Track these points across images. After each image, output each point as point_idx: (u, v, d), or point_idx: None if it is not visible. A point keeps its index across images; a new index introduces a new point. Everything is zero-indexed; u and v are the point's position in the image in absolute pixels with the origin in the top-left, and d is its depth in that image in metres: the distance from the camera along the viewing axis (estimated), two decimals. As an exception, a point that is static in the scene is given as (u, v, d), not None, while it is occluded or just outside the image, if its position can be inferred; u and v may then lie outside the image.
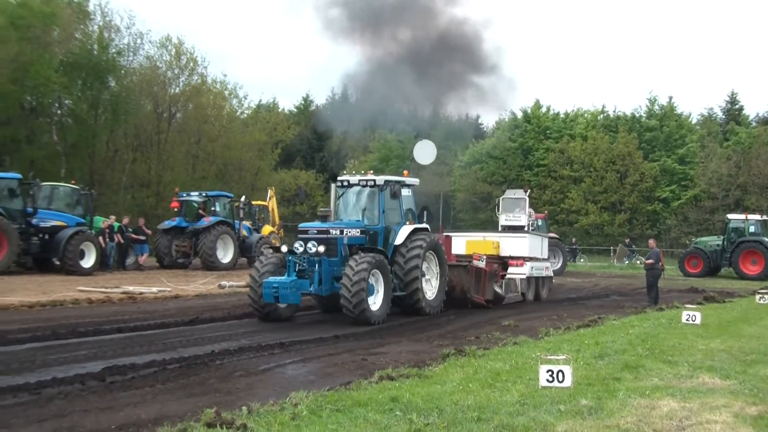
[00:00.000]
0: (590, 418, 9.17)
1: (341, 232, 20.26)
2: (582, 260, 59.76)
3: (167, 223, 37.65)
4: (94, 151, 50.15)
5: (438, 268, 22.32)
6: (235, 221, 38.48)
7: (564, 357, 11.23)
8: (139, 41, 52.93)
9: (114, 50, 50.27)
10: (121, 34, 51.82)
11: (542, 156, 73.99)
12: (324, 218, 21.34)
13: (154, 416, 9.49)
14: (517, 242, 28.88)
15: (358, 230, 20.72)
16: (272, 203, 47.56)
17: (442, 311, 22.31)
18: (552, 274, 31.19)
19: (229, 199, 39.57)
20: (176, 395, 10.92)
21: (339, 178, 22.27)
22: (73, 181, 36.61)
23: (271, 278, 19.18)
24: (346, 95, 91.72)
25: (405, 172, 23.10)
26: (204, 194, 39.08)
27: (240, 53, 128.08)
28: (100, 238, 32.76)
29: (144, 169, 53.66)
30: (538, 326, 19.32)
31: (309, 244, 19.32)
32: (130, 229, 36.15)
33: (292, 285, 18.81)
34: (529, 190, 39.26)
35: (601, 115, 77.60)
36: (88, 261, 31.02)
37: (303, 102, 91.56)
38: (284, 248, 20.06)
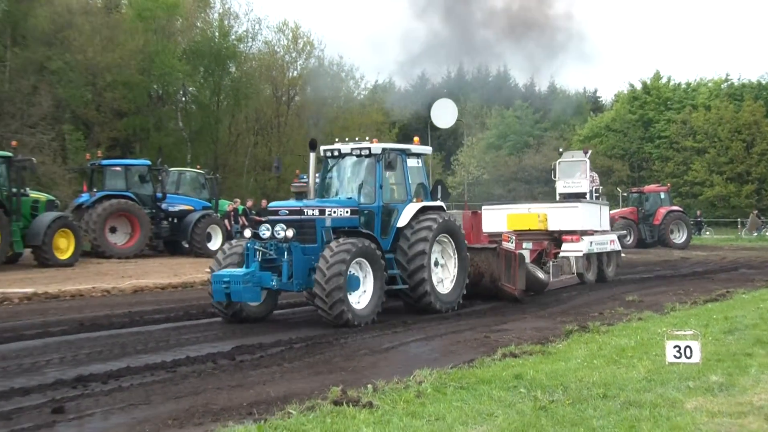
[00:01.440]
0: (721, 395, 8.96)
1: (322, 212, 16.16)
2: (707, 233, 57.97)
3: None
4: (218, 136, 51.53)
5: (456, 254, 18.07)
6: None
7: (691, 332, 10.99)
8: (257, 27, 54.04)
9: (234, 37, 51.48)
10: (240, 21, 53.04)
11: (663, 128, 71.95)
12: (300, 195, 16.65)
13: (283, 394, 9.76)
14: (569, 213, 24.68)
15: (348, 210, 16.62)
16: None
17: (459, 306, 17.93)
18: (619, 248, 27.25)
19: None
20: (303, 373, 11.20)
21: (326, 148, 17.81)
22: (198, 166, 37.77)
23: (224, 270, 15.51)
24: (461, 73, 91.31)
25: (415, 138, 18.57)
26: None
27: (355, 34, 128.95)
28: (226, 221, 33.68)
29: (265, 152, 54.76)
30: (663, 301, 18.91)
31: (277, 228, 15.54)
32: (254, 212, 37.06)
33: (247, 278, 14.99)
34: (589, 151, 34.94)
35: (725, 84, 74.91)
36: (215, 243, 31.90)
37: (418, 80, 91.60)
38: (247, 233, 15.98)
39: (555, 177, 33.42)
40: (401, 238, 17.07)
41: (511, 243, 20.00)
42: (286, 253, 15.46)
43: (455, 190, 70.81)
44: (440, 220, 17.40)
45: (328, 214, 16.22)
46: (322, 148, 17.61)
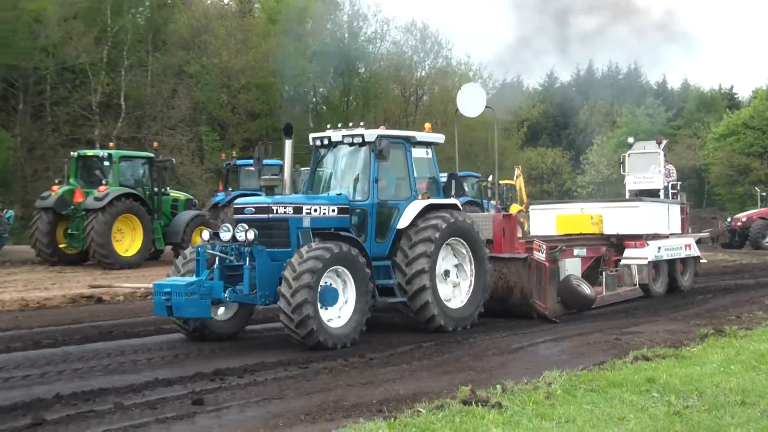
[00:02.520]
0: None
1: (297, 210, 13.68)
2: None
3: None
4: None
5: (473, 263, 15.27)
6: (483, 200, 38.83)
7: (836, 340, 10.52)
8: (385, 28, 54.64)
9: (363, 38, 52.17)
10: (369, 22, 53.69)
11: (805, 124, 68.78)
12: (270, 189, 13.99)
13: (412, 392, 9.85)
14: (628, 213, 20.50)
15: (334, 208, 14.10)
16: (519, 182, 47.50)
17: (473, 326, 15.12)
18: (698, 253, 22.91)
19: (477, 179, 39.94)
20: (432, 372, 11.29)
21: (315, 135, 15.33)
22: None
23: (167, 279, 13.30)
24: (591, 70, 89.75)
25: (426, 125, 16.32)
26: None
27: (482, 32, 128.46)
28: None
29: (393, 152, 55.23)
30: (806, 306, 18.13)
31: (238, 228, 13.13)
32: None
33: (192, 289, 12.39)
34: (664, 142, 30.05)
35: None
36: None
37: (547, 79, 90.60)
38: (205, 234, 13.47)
39: (624, 171, 29.78)
40: (402, 240, 14.44)
41: (542, 252, 16.80)
42: (248, 258, 12.93)
43: (585, 190, 69.69)
44: (450, 221, 14.70)
45: (307, 213, 13.74)
46: (311, 135, 15.35)
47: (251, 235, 12.91)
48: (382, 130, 14.74)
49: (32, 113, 42.27)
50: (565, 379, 9.93)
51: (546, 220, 20.64)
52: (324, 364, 11.70)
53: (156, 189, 27.07)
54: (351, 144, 14.63)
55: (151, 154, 27.59)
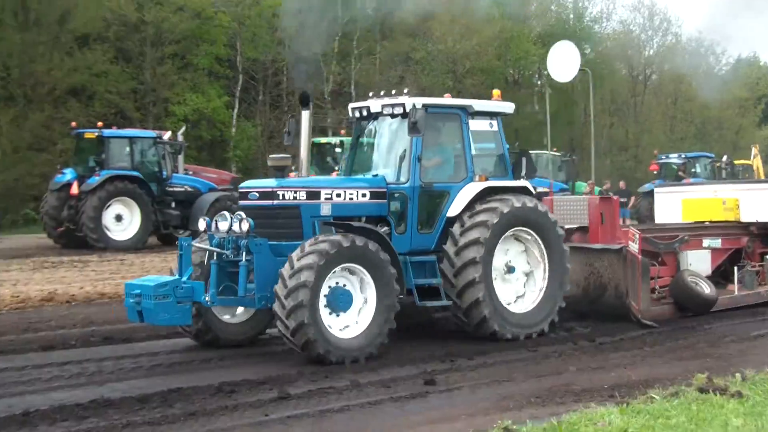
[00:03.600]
0: None
1: (313, 195, 11.52)
2: None
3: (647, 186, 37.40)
4: (573, 118, 51.53)
5: (545, 258, 12.52)
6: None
7: None
8: (611, 7, 53.44)
9: (588, 18, 51.14)
10: (594, 2, 52.57)
11: None
12: (281, 170, 11.77)
13: (644, 378, 9.67)
14: None
15: (366, 192, 11.93)
16: (757, 162, 44.98)
17: (543, 333, 12.42)
18: None
19: (710, 160, 38.23)
20: (665, 358, 11.03)
21: (354, 105, 13.11)
22: (554, 149, 37.99)
23: (139, 279, 11.90)
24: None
25: (495, 92, 13.45)
26: (683, 155, 38.25)
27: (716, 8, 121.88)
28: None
29: (621, 132, 53.86)
30: None
31: (234, 217, 11.15)
32: (610, 193, 36.64)
33: (164, 291, 10.60)
34: None
35: None
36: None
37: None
38: (202, 224, 11.53)
39: (753, 157, 24.86)
40: (454, 227, 12.00)
41: (635, 243, 13.75)
42: (244, 253, 10.92)
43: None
44: (515, 205, 12.06)
45: (326, 198, 11.57)
46: (350, 106, 13.26)
47: (246, 225, 10.84)
48: (424, 99, 12.27)
49: (270, 103, 44.81)
50: (813, 370, 9.42)
51: (671, 205, 17.51)
52: (554, 348, 11.69)
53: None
54: (392, 115, 12.29)
55: None
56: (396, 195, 11.95)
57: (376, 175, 12.22)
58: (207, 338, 11.56)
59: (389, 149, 12.66)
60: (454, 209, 12.00)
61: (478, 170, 12.43)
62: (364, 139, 13.06)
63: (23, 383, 9.82)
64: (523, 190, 12.61)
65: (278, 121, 43.70)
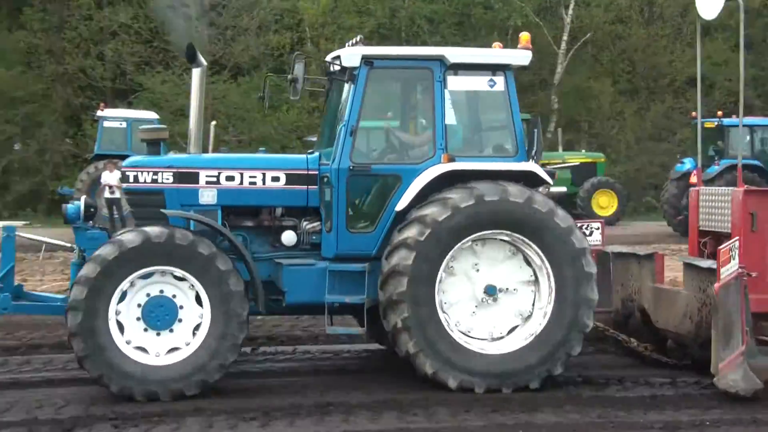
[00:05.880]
0: None
1: (182, 177, 9.11)
2: None
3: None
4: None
5: (550, 277, 8.82)
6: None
7: None
8: None
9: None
10: None
11: None
12: (154, 145, 9.58)
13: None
14: None
15: (280, 174, 9.20)
16: None
17: (534, 389, 8.78)
18: None
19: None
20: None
21: (329, 58, 9.66)
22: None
23: None
24: None
25: (523, 36, 9.47)
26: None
27: None
28: None
29: None
30: None
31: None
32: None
33: None
34: None
35: None
36: None
37: None
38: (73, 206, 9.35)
39: None
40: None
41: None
42: (77, 249, 9.29)
43: None
44: (465, 203, 8.63)
45: (209, 183, 9.14)
46: (330, 56, 9.72)
47: (83, 206, 9.14)
48: (372, 48, 9.50)
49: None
50: None
51: None
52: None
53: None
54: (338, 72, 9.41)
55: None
56: (326, 180, 9.22)
57: (312, 153, 9.79)
58: None
59: (334, 119, 9.80)
60: (403, 201, 8.92)
61: (464, 147, 9.53)
62: (332, 100, 10.21)
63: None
64: (533, 177, 9.17)
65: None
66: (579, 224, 9.67)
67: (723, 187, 9.89)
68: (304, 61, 9.56)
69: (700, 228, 9.92)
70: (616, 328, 10.64)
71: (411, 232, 8.54)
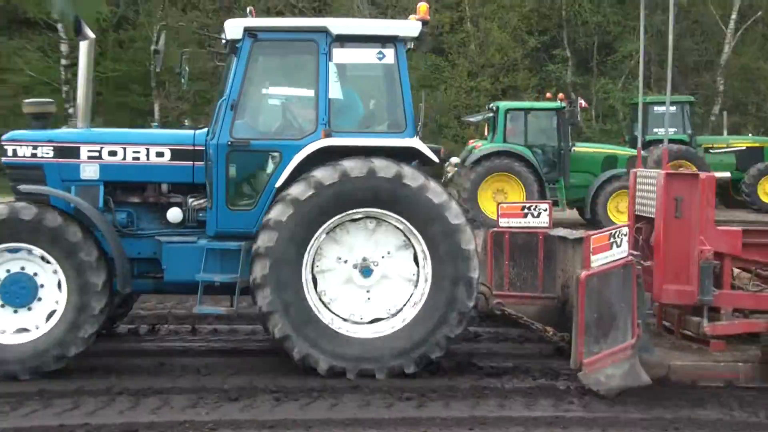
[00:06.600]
0: None
1: (63, 152, 8.76)
2: None
3: None
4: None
5: (427, 255, 8.37)
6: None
7: None
8: None
9: None
10: None
11: None
12: (41, 118, 8.95)
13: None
14: None
15: (165, 150, 8.90)
16: None
17: (407, 375, 8.25)
18: None
19: None
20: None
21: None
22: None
23: None
24: None
25: (421, 5, 8.77)
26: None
27: None
28: None
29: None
30: None
31: None
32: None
33: None
34: None
35: None
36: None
37: None
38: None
39: None
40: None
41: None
42: None
43: None
44: (330, 180, 8.20)
45: (91, 157, 8.82)
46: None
47: None
48: (258, 20, 9.07)
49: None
50: None
51: None
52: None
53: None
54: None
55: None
56: (208, 154, 8.80)
57: (202, 127, 9.29)
58: None
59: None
60: (282, 179, 8.51)
61: (350, 123, 8.98)
62: (220, 79, 10.04)
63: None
64: (405, 154, 8.61)
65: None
66: (527, 205, 10.21)
67: (653, 170, 9.07)
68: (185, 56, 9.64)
69: (636, 213, 9.25)
70: (557, 315, 9.41)
71: (274, 213, 8.24)
